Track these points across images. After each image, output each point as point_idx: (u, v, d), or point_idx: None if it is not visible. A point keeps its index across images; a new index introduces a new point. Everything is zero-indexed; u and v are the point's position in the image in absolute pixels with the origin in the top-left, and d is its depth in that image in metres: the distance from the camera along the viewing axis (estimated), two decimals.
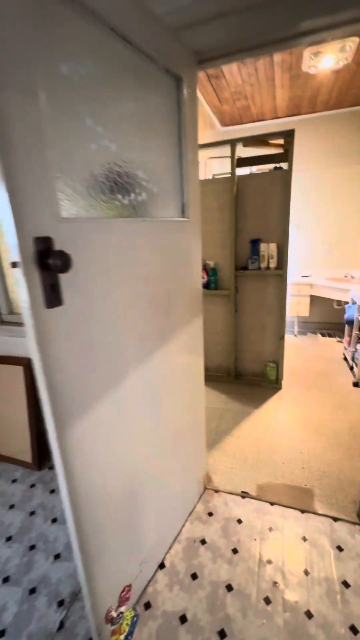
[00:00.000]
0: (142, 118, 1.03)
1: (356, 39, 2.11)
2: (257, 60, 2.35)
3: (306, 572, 1.27)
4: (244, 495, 1.65)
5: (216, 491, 1.69)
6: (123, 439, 1.01)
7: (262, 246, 2.45)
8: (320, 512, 1.53)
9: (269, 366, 2.73)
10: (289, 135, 2.12)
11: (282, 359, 2.68)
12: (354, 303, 3.09)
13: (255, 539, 1.42)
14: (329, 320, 4.12)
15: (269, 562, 1.32)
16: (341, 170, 3.63)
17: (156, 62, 1.03)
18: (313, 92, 3.00)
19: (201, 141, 1.52)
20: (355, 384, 2.71)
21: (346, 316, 3.03)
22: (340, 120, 3.48)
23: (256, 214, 2.45)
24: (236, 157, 2.31)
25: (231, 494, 1.67)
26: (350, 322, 3.01)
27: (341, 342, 3.78)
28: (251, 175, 2.36)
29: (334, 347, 3.62)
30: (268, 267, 2.51)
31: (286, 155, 2.20)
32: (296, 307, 3.88)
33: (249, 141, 2.21)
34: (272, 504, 1.59)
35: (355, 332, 2.89)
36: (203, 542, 1.42)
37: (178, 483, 1.43)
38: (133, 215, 1.02)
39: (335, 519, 1.49)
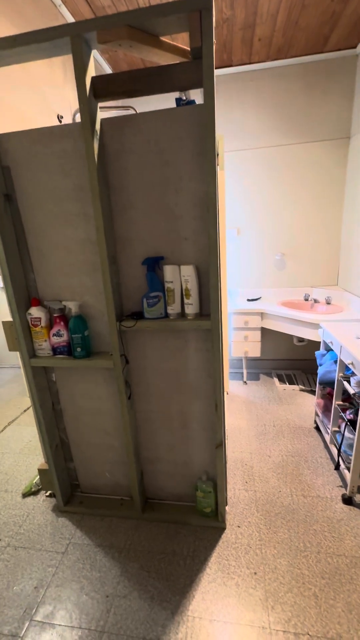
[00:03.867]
0: None
1: None
2: None
3: None
4: None
5: None
6: None
7: (168, 271, 1.18)
8: None
9: (201, 490, 1.47)
10: (198, 10, 0.88)
11: (224, 476, 1.43)
12: (327, 349, 1.98)
13: None
14: (288, 356, 3.05)
15: None
16: (294, 149, 2.56)
17: None
18: (249, 13, 1.85)
19: None
20: (348, 500, 1.57)
21: (320, 374, 1.90)
22: (289, 76, 2.40)
23: (151, 205, 1.17)
24: (89, 74, 1.01)
25: None
26: (327, 384, 1.89)
27: (305, 390, 2.70)
28: (130, 118, 1.09)
29: (298, 402, 2.52)
30: (183, 313, 1.24)
31: (197, 68, 0.96)
32: (243, 345, 2.72)
33: (111, 30, 0.92)
34: None
35: (336, 402, 1.76)
36: None
37: None
38: None
39: None
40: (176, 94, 1.11)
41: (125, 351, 1.34)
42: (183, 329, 1.28)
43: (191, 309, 1.20)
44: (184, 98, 1.07)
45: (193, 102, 1.08)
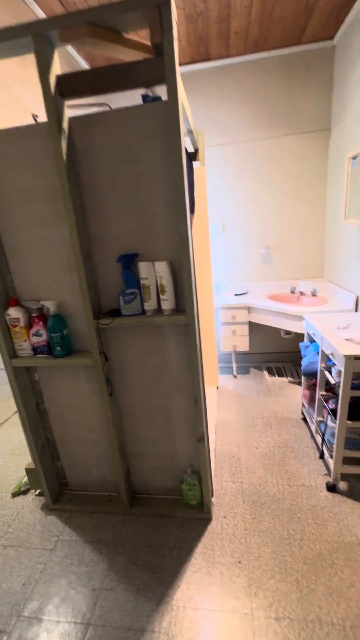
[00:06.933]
0: None
1: None
2: None
3: None
4: None
5: None
6: None
7: (143, 268, 1.19)
8: None
9: (186, 483, 1.49)
10: (157, 6, 0.88)
11: (208, 469, 1.45)
12: (311, 341, 2.00)
13: None
14: (276, 349, 3.07)
15: None
16: (276, 142, 2.56)
17: None
18: (222, 5, 1.84)
19: None
20: (332, 487, 1.60)
21: (303, 365, 1.93)
22: (268, 69, 2.40)
23: (124, 202, 1.18)
24: (53, 72, 1.01)
25: None
26: (311, 375, 1.92)
27: (293, 382, 2.73)
28: (98, 115, 1.09)
29: (287, 393, 2.55)
30: (159, 309, 1.26)
31: (159, 64, 0.96)
32: (231, 339, 2.74)
33: (72, 28, 0.92)
34: None
35: (320, 392, 1.79)
36: None
37: None
38: None
39: None
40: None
41: (105, 348, 1.35)
42: (160, 325, 1.29)
43: (167, 304, 1.21)
44: (150, 94, 1.08)
45: (159, 98, 1.08)
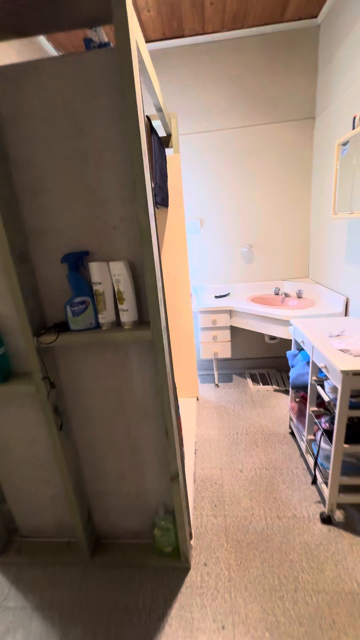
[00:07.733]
0: None
1: None
2: None
3: None
4: None
5: None
6: None
7: (95, 270, 0.93)
8: None
9: (159, 527, 1.24)
10: None
11: (184, 512, 1.21)
12: (299, 349, 1.80)
13: None
14: (260, 355, 2.87)
15: None
16: (257, 130, 2.35)
17: None
18: None
19: None
20: (327, 519, 1.40)
21: (292, 377, 1.72)
22: (248, 49, 2.18)
23: (69, 186, 0.91)
24: None
25: None
26: (300, 388, 1.71)
27: (279, 390, 2.54)
28: (29, 67, 0.82)
29: (272, 404, 2.35)
30: (118, 322, 1.00)
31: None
32: (212, 345, 2.51)
33: None
34: None
35: (310, 408, 1.59)
36: None
37: None
38: None
39: None
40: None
41: (52, 370, 1.08)
42: (120, 341, 1.03)
43: (127, 316, 0.95)
44: (96, 40, 0.82)
45: (108, 44, 0.83)
